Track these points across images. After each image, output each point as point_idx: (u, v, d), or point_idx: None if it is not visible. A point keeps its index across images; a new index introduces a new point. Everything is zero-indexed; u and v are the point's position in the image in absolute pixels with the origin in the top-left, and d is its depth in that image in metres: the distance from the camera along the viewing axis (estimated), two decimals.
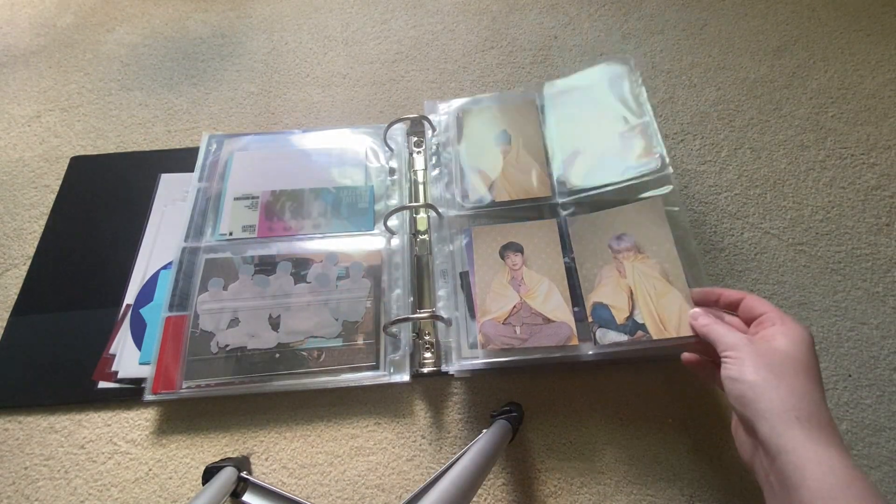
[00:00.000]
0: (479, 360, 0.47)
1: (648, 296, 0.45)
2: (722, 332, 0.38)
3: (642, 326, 0.44)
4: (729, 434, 0.46)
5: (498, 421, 0.44)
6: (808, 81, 0.69)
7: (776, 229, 0.58)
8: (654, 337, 0.43)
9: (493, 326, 0.47)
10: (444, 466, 0.38)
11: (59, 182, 0.64)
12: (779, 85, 0.69)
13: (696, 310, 0.42)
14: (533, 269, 0.49)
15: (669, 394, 0.49)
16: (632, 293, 0.45)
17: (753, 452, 0.34)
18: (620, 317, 0.45)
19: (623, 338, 0.44)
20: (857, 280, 0.54)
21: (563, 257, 0.50)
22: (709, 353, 0.40)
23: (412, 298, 0.51)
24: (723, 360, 0.36)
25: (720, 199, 0.60)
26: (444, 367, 0.49)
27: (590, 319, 0.46)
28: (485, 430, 0.42)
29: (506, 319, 0.47)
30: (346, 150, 0.62)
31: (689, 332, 0.41)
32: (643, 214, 0.48)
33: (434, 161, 0.58)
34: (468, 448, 0.39)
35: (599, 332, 0.46)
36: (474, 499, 0.40)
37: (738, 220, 0.58)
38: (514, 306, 0.47)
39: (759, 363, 0.34)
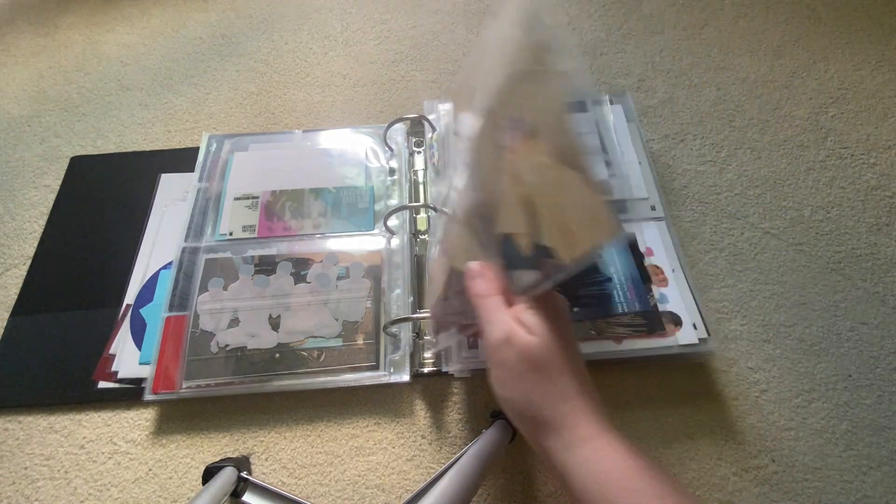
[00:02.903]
0: (479, 360, 0.47)
1: (548, 199, 0.30)
2: (491, 314, 0.32)
3: (547, 251, 0.30)
4: (729, 434, 0.47)
5: (498, 421, 0.44)
6: (808, 81, 0.69)
7: (776, 229, 0.58)
8: (565, 260, 0.29)
9: (439, 306, 0.39)
10: (444, 466, 0.38)
11: (59, 182, 0.64)
12: (779, 85, 0.69)
13: (476, 265, 0.34)
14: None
15: (669, 393, 0.49)
16: (531, 204, 0.31)
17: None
18: (524, 244, 0.32)
19: (533, 275, 0.31)
20: (857, 280, 0.54)
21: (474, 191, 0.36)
22: None
23: (412, 298, 0.51)
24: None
25: (720, 199, 0.60)
26: (444, 367, 0.49)
27: (501, 262, 0.34)
28: (485, 430, 0.42)
29: (444, 294, 0.37)
30: (346, 150, 0.62)
31: (608, 236, 0.28)
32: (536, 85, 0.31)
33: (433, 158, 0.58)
34: (468, 448, 0.39)
35: (514, 276, 0.33)
36: (474, 499, 0.40)
37: (738, 220, 0.58)
38: (448, 275, 0.37)
39: (514, 374, 0.31)
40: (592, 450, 0.29)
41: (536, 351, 0.29)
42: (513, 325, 0.31)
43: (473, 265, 0.33)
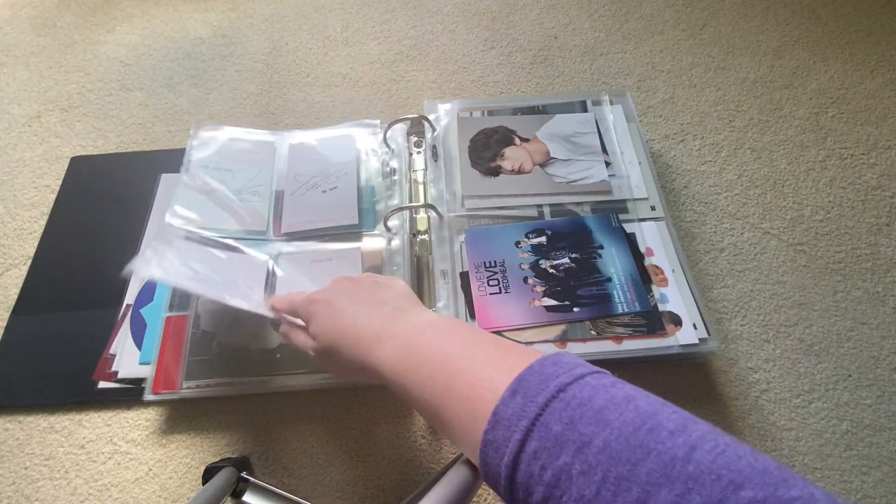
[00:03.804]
0: None
1: None
2: (294, 339, 0.41)
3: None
4: (729, 433, 0.47)
5: None
6: (808, 81, 0.69)
7: (776, 229, 0.58)
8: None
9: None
10: (444, 466, 0.38)
11: (59, 182, 0.64)
12: (779, 85, 0.69)
13: (274, 298, 0.44)
14: None
15: (669, 394, 0.48)
16: None
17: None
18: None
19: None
20: (857, 280, 0.54)
21: None
22: None
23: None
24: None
25: (720, 199, 0.60)
26: None
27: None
28: None
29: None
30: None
31: None
32: None
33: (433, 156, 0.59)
34: None
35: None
36: (474, 499, 0.40)
37: (738, 220, 0.58)
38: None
39: (332, 365, 0.38)
40: (390, 344, 0.33)
41: (320, 349, 0.37)
42: (307, 338, 0.39)
43: (274, 300, 0.44)
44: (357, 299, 0.37)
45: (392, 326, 0.34)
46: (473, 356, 0.29)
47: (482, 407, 0.25)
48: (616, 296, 0.48)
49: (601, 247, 0.51)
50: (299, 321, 0.41)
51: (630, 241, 0.52)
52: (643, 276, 0.50)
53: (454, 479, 0.35)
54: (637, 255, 0.51)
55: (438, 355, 0.30)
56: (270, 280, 0.52)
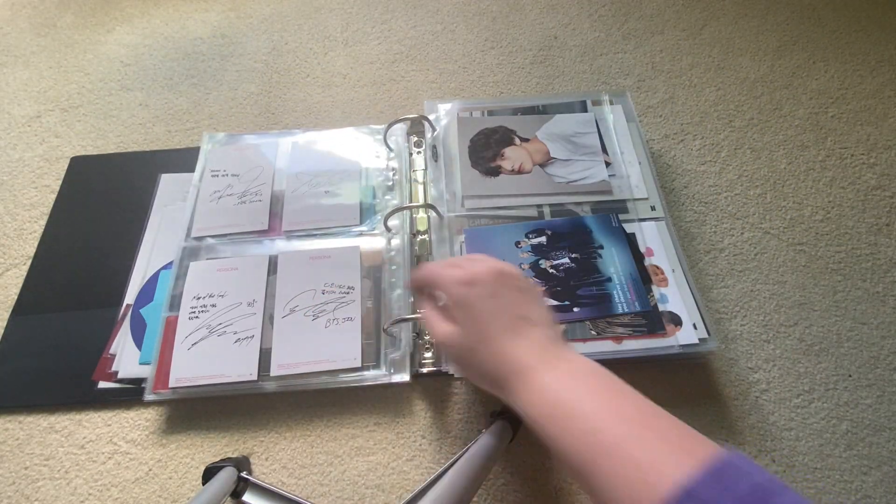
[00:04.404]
0: None
1: None
2: (429, 325, 0.39)
3: None
4: (730, 434, 0.47)
5: (498, 421, 0.44)
6: (808, 81, 0.69)
7: (776, 229, 0.58)
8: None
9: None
10: (443, 466, 0.38)
11: (59, 182, 0.64)
12: (779, 85, 0.69)
13: (412, 276, 0.43)
14: None
15: (669, 394, 0.49)
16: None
17: None
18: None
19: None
20: (857, 280, 0.54)
21: None
22: None
23: (412, 298, 0.51)
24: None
25: (720, 199, 0.60)
26: (444, 367, 0.49)
27: None
28: (484, 430, 0.42)
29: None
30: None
31: None
32: None
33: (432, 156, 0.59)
34: (468, 448, 0.39)
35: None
36: (474, 499, 0.40)
37: (738, 220, 0.58)
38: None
39: (464, 362, 0.36)
40: (535, 385, 0.31)
41: (457, 345, 0.36)
42: (445, 327, 0.37)
43: (413, 278, 0.42)
44: (503, 306, 0.35)
45: (537, 362, 0.32)
46: (636, 431, 0.27)
47: (656, 485, 0.24)
48: (616, 296, 0.48)
49: (601, 247, 0.51)
50: (440, 301, 0.38)
51: (630, 241, 0.52)
52: (643, 276, 0.50)
53: (455, 478, 0.35)
54: (637, 255, 0.51)
55: (592, 418, 0.28)
56: (270, 278, 0.52)
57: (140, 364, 0.50)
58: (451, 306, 0.36)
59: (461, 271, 0.37)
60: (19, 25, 0.81)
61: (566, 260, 0.50)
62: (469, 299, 0.35)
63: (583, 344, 0.46)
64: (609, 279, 0.49)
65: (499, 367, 0.33)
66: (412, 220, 0.57)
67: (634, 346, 0.46)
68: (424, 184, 0.60)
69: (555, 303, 0.48)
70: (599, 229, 0.52)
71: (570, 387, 0.30)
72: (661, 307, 0.48)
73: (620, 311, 0.48)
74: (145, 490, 0.46)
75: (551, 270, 0.50)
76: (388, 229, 0.55)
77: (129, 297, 0.54)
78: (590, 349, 0.46)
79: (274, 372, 0.47)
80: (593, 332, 0.47)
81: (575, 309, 0.48)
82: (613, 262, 0.50)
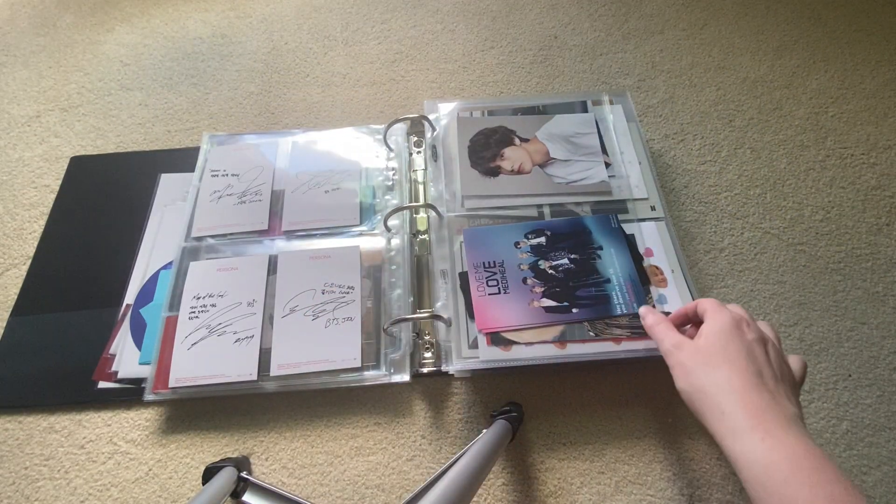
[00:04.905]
0: (479, 360, 0.47)
1: None
2: (661, 334, 0.40)
3: None
4: None
5: (498, 421, 0.44)
6: (808, 81, 0.69)
7: (776, 229, 0.58)
8: None
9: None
10: (444, 466, 0.38)
11: (59, 182, 0.64)
12: (779, 85, 0.69)
13: (643, 308, 0.44)
14: None
15: (669, 394, 0.49)
16: None
17: None
18: None
19: None
20: (857, 280, 0.54)
21: None
22: None
23: (412, 298, 0.51)
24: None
25: (720, 199, 0.60)
26: (444, 367, 0.49)
27: None
28: (484, 430, 0.42)
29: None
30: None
31: None
32: None
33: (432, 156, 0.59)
34: (468, 448, 0.39)
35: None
36: (474, 499, 0.40)
37: (738, 220, 0.58)
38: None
39: (686, 369, 0.36)
40: (752, 441, 0.31)
41: (702, 348, 0.36)
42: (680, 336, 0.39)
43: (643, 309, 0.44)
44: (760, 364, 0.35)
45: (757, 422, 0.31)
46: None
47: None
48: (615, 297, 0.48)
49: (600, 247, 0.51)
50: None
51: (629, 242, 0.52)
52: (642, 277, 0.50)
53: (455, 478, 0.35)
54: (636, 256, 0.51)
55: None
56: (270, 278, 0.52)
57: (140, 364, 0.50)
58: (713, 331, 0.37)
59: (748, 317, 0.38)
60: (19, 25, 0.81)
61: (565, 261, 0.50)
62: (737, 334, 0.36)
63: (582, 345, 0.46)
64: (608, 280, 0.49)
65: (719, 426, 0.33)
66: (412, 220, 0.57)
67: (633, 346, 0.46)
68: (424, 184, 0.60)
69: (554, 304, 0.48)
70: (599, 230, 0.52)
71: (783, 468, 0.30)
72: (660, 308, 0.48)
73: (619, 312, 0.48)
74: (145, 490, 0.46)
75: (550, 271, 0.50)
76: (387, 229, 0.55)
77: (129, 297, 0.54)
78: (588, 350, 0.46)
79: (274, 372, 0.47)
80: (591, 334, 0.47)
81: (574, 310, 0.48)
82: (612, 263, 0.50)
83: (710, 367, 0.35)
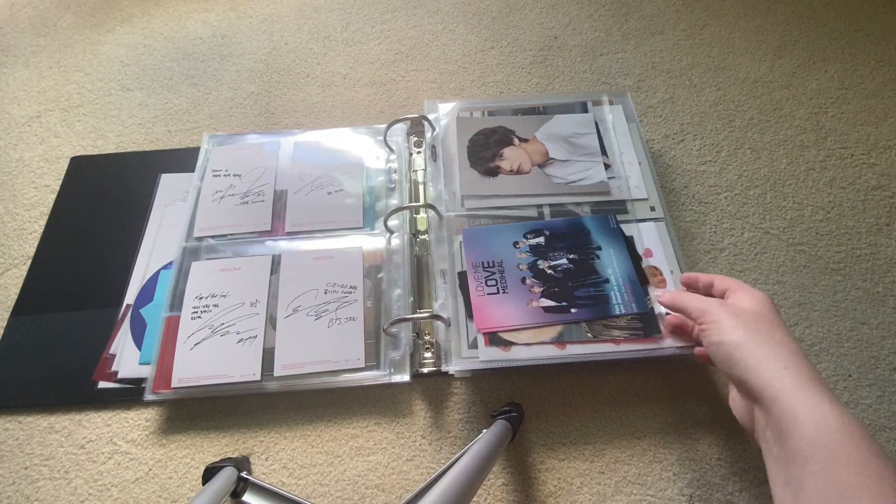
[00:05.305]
0: (479, 360, 0.47)
1: None
2: (690, 299, 0.40)
3: None
4: (729, 434, 0.47)
5: (498, 421, 0.44)
6: (808, 81, 0.69)
7: (776, 229, 0.58)
8: None
9: None
10: (444, 466, 0.38)
11: (59, 182, 0.64)
12: (779, 85, 0.69)
13: (659, 290, 0.45)
14: None
15: (669, 394, 0.49)
16: None
17: (751, 416, 0.34)
18: None
19: None
20: (857, 280, 0.54)
21: None
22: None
23: (412, 298, 0.51)
24: (700, 328, 0.38)
25: (720, 199, 0.60)
26: (444, 367, 0.49)
27: None
28: (485, 430, 0.42)
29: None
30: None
31: None
32: None
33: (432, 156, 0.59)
34: (468, 448, 0.39)
35: None
36: (474, 499, 0.40)
37: (738, 220, 0.58)
38: None
39: (736, 322, 0.35)
40: (832, 403, 0.30)
41: (748, 310, 0.36)
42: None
43: (658, 294, 0.47)
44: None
45: (823, 386, 0.32)
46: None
47: None
48: (613, 297, 0.48)
49: (599, 248, 0.51)
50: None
51: (628, 243, 0.52)
52: (641, 278, 0.50)
53: (455, 478, 0.35)
54: (635, 257, 0.51)
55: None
56: (272, 278, 0.52)
57: (140, 364, 0.50)
58: (756, 300, 0.37)
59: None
60: (19, 25, 0.81)
61: (564, 261, 0.50)
62: (777, 310, 0.37)
63: (581, 346, 0.46)
64: (607, 280, 0.49)
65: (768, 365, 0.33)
66: (412, 220, 0.57)
67: (631, 347, 0.46)
68: (424, 184, 0.60)
69: (552, 304, 0.48)
70: (597, 230, 0.53)
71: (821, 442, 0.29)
72: (658, 309, 0.48)
73: (618, 312, 0.48)
74: (145, 490, 0.46)
75: (549, 271, 0.50)
76: (388, 229, 0.55)
77: (129, 297, 0.54)
78: (587, 350, 0.46)
79: (278, 372, 0.47)
80: (589, 335, 0.47)
81: (572, 310, 0.48)
82: (611, 264, 0.50)
83: (767, 325, 0.35)
